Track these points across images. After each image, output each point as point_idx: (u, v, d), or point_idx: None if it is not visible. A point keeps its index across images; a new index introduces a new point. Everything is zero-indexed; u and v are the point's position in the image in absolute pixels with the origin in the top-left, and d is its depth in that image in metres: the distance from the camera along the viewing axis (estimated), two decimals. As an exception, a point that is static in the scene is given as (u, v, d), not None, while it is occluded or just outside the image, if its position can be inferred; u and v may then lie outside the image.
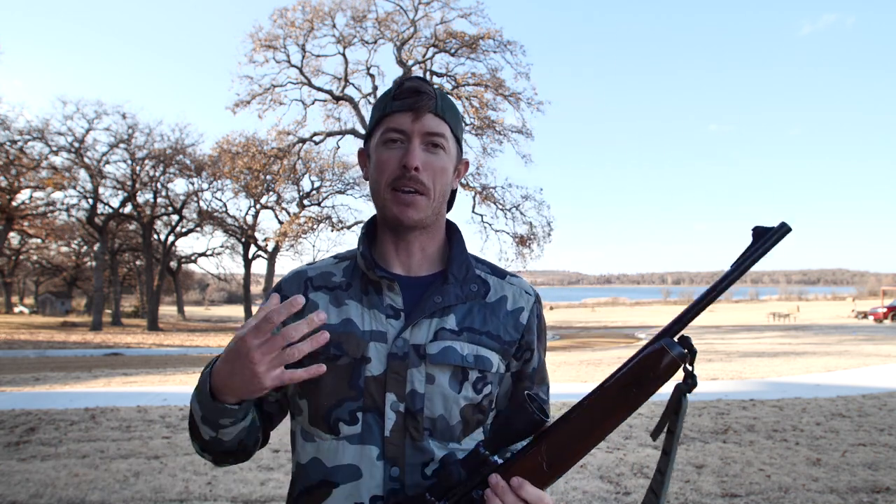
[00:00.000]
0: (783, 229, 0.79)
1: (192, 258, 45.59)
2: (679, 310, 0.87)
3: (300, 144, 26.72)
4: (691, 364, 0.82)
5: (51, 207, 34.82)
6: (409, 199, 0.99)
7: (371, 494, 0.94)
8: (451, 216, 1.14)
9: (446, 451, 0.98)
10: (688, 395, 0.82)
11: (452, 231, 1.12)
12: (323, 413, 0.98)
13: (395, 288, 1.01)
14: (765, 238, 0.80)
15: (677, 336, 0.83)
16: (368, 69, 25.95)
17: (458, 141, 1.07)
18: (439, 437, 0.98)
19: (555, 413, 7.01)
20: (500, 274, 1.11)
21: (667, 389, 0.85)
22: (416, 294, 1.03)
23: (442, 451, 0.98)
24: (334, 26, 25.04)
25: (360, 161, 1.11)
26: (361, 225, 1.10)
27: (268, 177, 27.45)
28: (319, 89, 26.20)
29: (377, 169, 1.02)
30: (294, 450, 1.04)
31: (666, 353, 0.81)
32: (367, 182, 1.08)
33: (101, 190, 34.20)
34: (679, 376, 0.82)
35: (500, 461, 0.88)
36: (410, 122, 0.99)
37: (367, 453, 0.95)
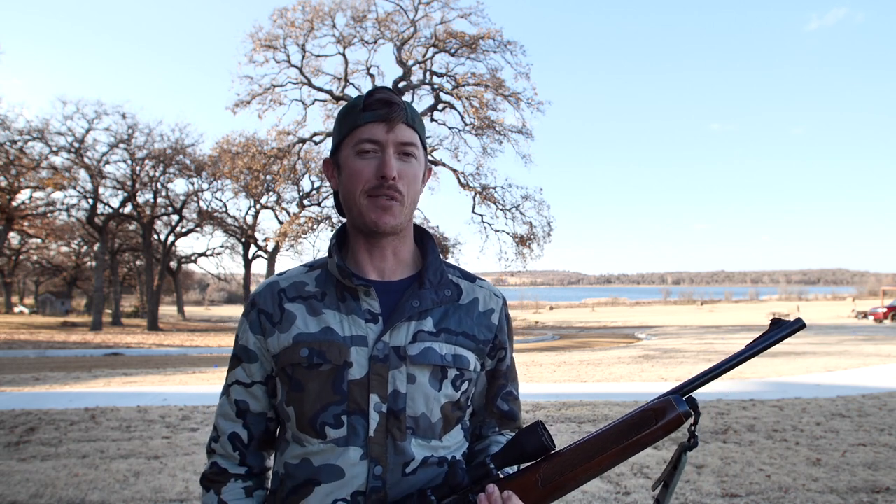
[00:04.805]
0: (798, 324, 0.86)
1: (192, 258, 45.61)
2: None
3: (300, 144, 26.70)
4: (695, 425, 0.89)
5: (51, 207, 34.83)
6: (386, 204, 1.02)
7: (352, 490, 0.98)
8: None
9: (429, 448, 1.03)
10: (688, 453, 0.90)
11: (425, 237, 1.15)
12: (309, 418, 1.01)
13: (372, 293, 1.04)
14: (780, 328, 0.87)
15: (686, 396, 0.89)
16: (368, 69, 25.95)
17: (425, 148, 1.11)
18: (422, 434, 1.02)
19: (555, 414, 7.00)
20: (470, 278, 1.16)
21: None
22: (392, 298, 1.06)
23: (424, 450, 1.02)
24: (334, 26, 25.04)
25: (327, 171, 1.13)
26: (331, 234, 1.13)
27: (268, 177, 27.42)
28: (319, 89, 26.20)
29: (352, 178, 1.03)
30: (282, 452, 1.07)
31: (672, 408, 0.87)
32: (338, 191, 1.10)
33: (101, 190, 34.18)
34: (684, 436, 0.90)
35: (501, 475, 0.95)
36: (384, 133, 1.02)
37: (351, 454, 0.99)
